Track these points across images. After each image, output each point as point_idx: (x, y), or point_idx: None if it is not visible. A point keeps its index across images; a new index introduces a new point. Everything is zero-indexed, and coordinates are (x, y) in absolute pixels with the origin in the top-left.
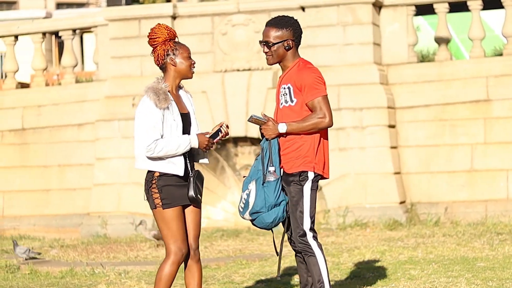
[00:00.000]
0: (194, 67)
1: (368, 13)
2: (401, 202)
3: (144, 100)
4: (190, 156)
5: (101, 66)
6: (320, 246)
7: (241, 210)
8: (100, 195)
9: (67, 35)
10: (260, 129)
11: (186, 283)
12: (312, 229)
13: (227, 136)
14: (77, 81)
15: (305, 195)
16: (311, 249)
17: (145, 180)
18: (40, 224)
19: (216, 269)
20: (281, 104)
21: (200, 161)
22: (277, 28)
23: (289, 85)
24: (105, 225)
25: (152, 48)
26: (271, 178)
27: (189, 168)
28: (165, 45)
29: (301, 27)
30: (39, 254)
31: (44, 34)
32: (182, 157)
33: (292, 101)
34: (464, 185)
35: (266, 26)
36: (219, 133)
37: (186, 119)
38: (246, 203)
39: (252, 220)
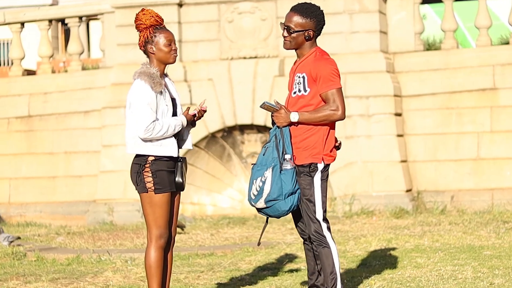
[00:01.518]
0: (175, 54)
1: (375, 1)
2: (408, 190)
3: (138, 83)
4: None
5: (107, 53)
6: (333, 238)
7: (253, 197)
8: (106, 182)
9: (73, 22)
10: (272, 116)
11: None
12: (325, 219)
13: (204, 113)
14: (83, 68)
15: (315, 186)
16: (326, 240)
17: (134, 163)
18: (46, 211)
19: (223, 257)
20: (294, 92)
21: (184, 146)
22: (302, 15)
23: (304, 74)
24: (111, 212)
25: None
26: (287, 166)
27: (177, 150)
28: (145, 32)
29: None
30: (19, 238)
31: (50, 21)
32: (173, 139)
33: (305, 90)
34: (471, 173)
35: (291, 10)
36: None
37: (173, 104)
38: (261, 191)
39: (263, 208)
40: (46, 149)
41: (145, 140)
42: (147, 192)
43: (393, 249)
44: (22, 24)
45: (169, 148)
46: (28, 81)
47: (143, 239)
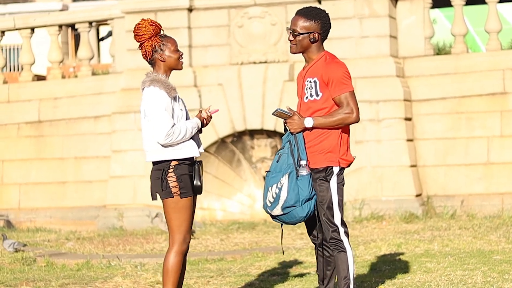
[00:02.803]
0: (182, 59)
1: (385, 5)
2: (417, 195)
3: (152, 90)
4: None
5: (117, 58)
6: (349, 243)
7: (269, 204)
8: (116, 188)
9: (83, 27)
10: (285, 123)
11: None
12: (343, 223)
13: (211, 119)
14: (93, 74)
15: (332, 190)
16: (343, 245)
17: (155, 170)
18: (56, 217)
19: (232, 262)
20: (306, 97)
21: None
22: (306, 18)
23: (315, 78)
24: (121, 217)
25: (138, 44)
26: (303, 172)
27: (198, 151)
28: (152, 41)
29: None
30: (25, 245)
31: (60, 26)
32: (191, 140)
33: (317, 95)
34: (481, 178)
35: (296, 14)
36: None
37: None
38: (277, 197)
39: (280, 215)
40: (56, 155)
41: (165, 146)
42: (173, 197)
43: (403, 254)
44: (32, 29)
45: (190, 150)
46: (38, 86)
47: (153, 244)
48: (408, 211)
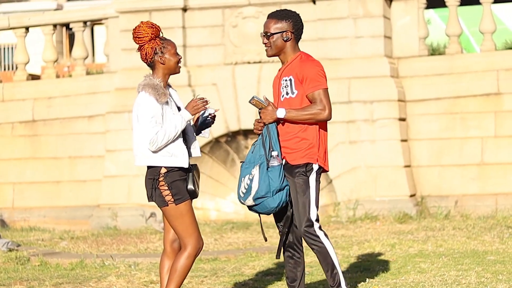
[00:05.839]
0: (180, 62)
1: (379, 6)
2: (411, 195)
3: (143, 96)
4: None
5: (111, 58)
6: (326, 235)
7: (242, 195)
8: (110, 187)
9: (78, 27)
10: (259, 112)
11: (162, 270)
12: (317, 219)
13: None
14: (87, 73)
15: (311, 186)
16: (320, 240)
17: (148, 178)
18: (50, 216)
19: (226, 262)
20: (282, 96)
21: (193, 154)
22: (277, 19)
23: (290, 77)
24: (115, 217)
25: (138, 46)
26: (275, 163)
27: (188, 161)
28: (152, 43)
29: (312, 19)
30: (19, 245)
31: (55, 26)
32: (184, 147)
33: (293, 93)
34: (475, 178)
35: (267, 18)
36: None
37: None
38: (249, 188)
39: (253, 206)
40: (50, 154)
41: (155, 151)
42: (168, 206)
43: (397, 254)
44: (27, 28)
45: (181, 159)
46: (32, 85)
47: (147, 243)
48: (402, 211)
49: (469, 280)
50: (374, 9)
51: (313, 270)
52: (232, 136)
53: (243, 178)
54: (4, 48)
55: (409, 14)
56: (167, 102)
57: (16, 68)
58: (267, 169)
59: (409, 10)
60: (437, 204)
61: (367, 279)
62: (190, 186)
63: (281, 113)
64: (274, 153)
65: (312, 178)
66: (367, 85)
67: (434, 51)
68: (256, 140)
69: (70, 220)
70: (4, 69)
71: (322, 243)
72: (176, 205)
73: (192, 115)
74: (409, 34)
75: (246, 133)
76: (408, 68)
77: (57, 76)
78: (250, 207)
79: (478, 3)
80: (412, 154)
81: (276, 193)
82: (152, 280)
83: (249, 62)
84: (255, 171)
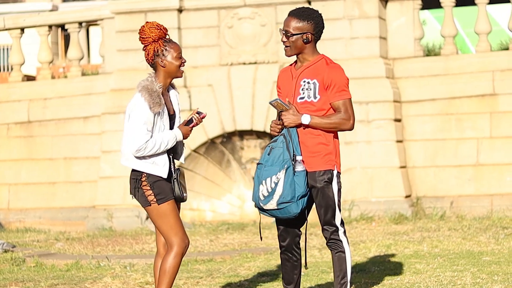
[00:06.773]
0: (183, 66)
1: (375, 6)
2: (407, 196)
3: (138, 99)
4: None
5: (107, 59)
6: (348, 242)
7: (262, 198)
8: (106, 188)
9: (73, 28)
10: (279, 115)
11: (157, 271)
12: (342, 223)
13: (201, 122)
14: (83, 74)
15: (334, 191)
16: (342, 245)
17: (132, 178)
18: (46, 217)
19: (222, 262)
20: (301, 98)
21: (177, 160)
22: (299, 19)
23: (315, 80)
24: (110, 218)
25: (143, 45)
26: (299, 167)
27: (173, 168)
28: (155, 45)
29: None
30: (14, 246)
31: (50, 27)
32: (166, 158)
33: (315, 97)
34: (470, 179)
35: (288, 15)
36: (193, 120)
37: (171, 120)
38: (272, 192)
39: (272, 210)
40: (46, 155)
41: (138, 157)
42: (151, 205)
43: (392, 255)
44: (22, 29)
45: (160, 169)
46: (27, 86)
47: (142, 244)
48: (398, 212)
49: (465, 281)
50: (369, 10)
51: (309, 271)
52: (228, 137)
53: (264, 181)
54: (0, 49)
55: (404, 15)
56: (159, 112)
57: (12, 69)
58: (294, 174)
59: (404, 11)
60: (433, 205)
61: (363, 280)
62: (178, 193)
63: (306, 119)
64: (299, 158)
65: (335, 183)
66: (363, 86)
67: (430, 52)
68: (272, 142)
69: (66, 221)
70: None
71: (343, 248)
72: (158, 204)
73: (184, 138)
74: (404, 35)
75: (242, 134)
76: (403, 69)
77: (53, 77)
78: (265, 210)
79: (474, 4)
80: (407, 155)
81: (300, 198)
82: (148, 281)
83: (244, 63)
84: (281, 175)
